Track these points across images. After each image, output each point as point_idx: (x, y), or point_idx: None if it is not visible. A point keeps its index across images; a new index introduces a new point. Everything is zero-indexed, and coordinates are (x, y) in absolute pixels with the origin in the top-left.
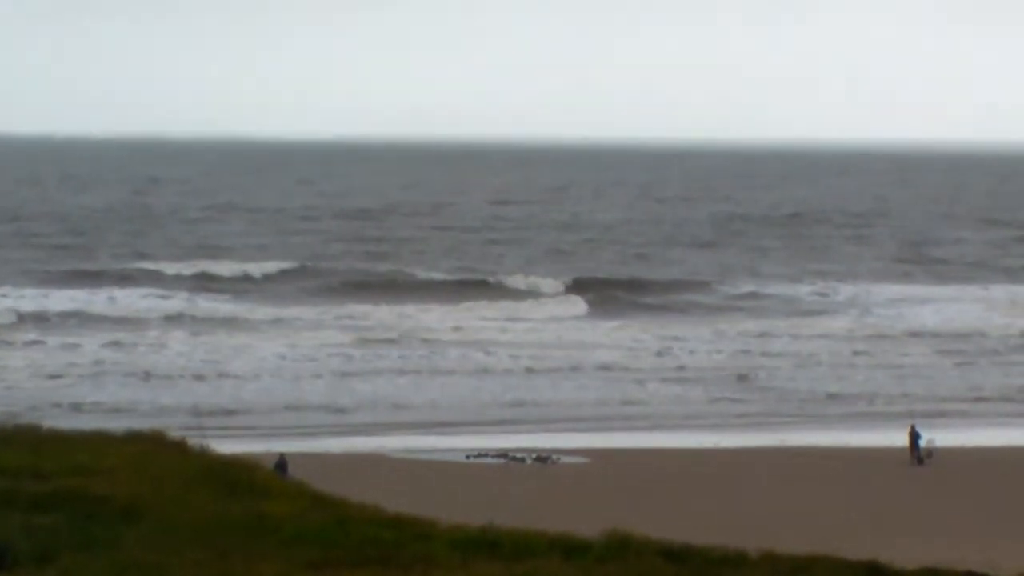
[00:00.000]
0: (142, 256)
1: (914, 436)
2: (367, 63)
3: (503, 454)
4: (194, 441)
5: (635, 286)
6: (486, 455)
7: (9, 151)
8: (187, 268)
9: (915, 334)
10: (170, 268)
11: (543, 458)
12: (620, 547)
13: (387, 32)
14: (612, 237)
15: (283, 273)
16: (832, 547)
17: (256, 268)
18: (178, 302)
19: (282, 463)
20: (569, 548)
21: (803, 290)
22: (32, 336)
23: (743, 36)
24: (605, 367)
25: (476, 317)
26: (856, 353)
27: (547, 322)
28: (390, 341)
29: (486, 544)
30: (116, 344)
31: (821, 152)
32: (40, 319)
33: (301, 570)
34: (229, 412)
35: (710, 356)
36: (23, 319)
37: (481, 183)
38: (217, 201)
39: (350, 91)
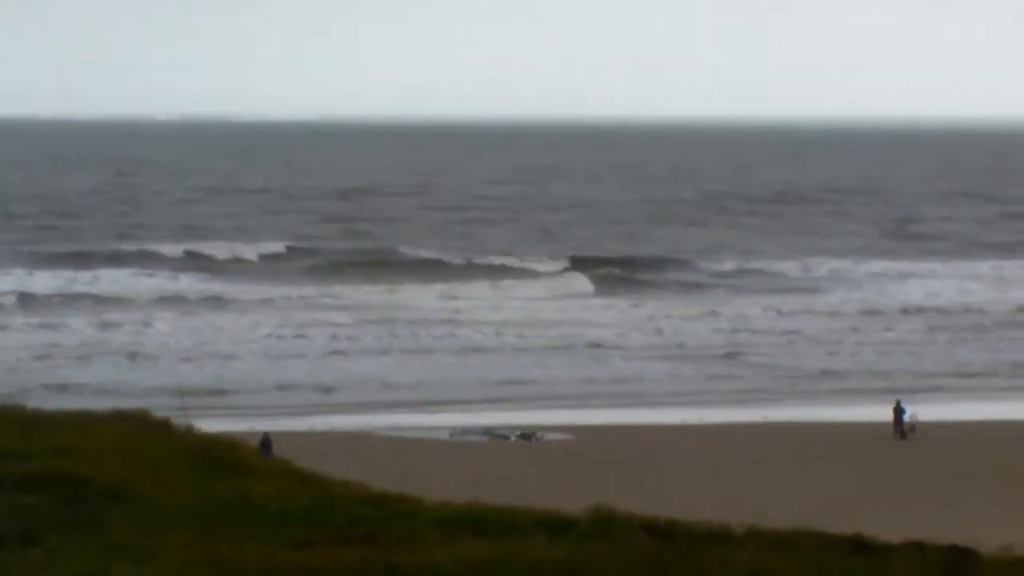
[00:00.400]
0: (130, 237)
1: (898, 411)
2: (353, 43)
3: (487, 432)
4: (179, 421)
5: (629, 264)
6: (471, 433)
7: None
8: (176, 249)
9: (904, 310)
10: (160, 249)
11: (527, 435)
12: (605, 524)
13: (375, 12)
14: (604, 216)
15: (274, 254)
16: (816, 522)
17: (249, 249)
18: (167, 282)
19: (266, 442)
20: (555, 525)
21: (791, 267)
22: (20, 317)
23: (739, 11)
24: (595, 344)
25: (473, 296)
26: (843, 329)
27: (545, 300)
28: (382, 321)
29: (471, 521)
30: (105, 325)
31: (811, 130)
32: (28, 300)
33: (286, 549)
34: (215, 392)
35: (700, 334)
36: (11, 300)
37: (469, 163)
38: (203, 183)
39: (336, 72)
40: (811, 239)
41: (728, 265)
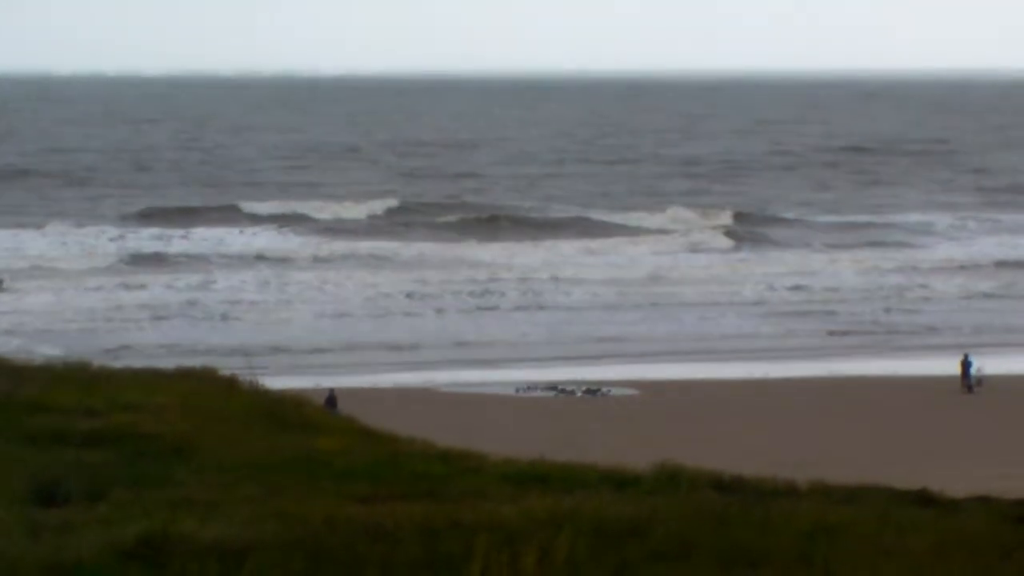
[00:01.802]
0: (226, 195)
1: (965, 364)
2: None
3: (552, 387)
4: (245, 377)
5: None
6: (536, 388)
7: (55, 90)
8: (280, 208)
9: (1000, 263)
10: (262, 208)
11: (592, 390)
12: (671, 479)
13: None
14: (690, 170)
15: (386, 211)
16: (882, 476)
17: (362, 208)
18: (270, 240)
19: (332, 399)
20: (619, 481)
21: (897, 219)
22: (119, 277)
23: None
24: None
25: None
26: (930, 284)
27: (673, 255)
28: (489, 279)
29: (536, 477)
30: (206, 284)
31: (848, 81)
32: (133, 258)
33: (352, 505)
34: (280, 349)
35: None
36: (109, 259)
37: (525, 116)
38: (273, 139)
39: (372, 27)
40: (894, 190)
41: (841, 218)
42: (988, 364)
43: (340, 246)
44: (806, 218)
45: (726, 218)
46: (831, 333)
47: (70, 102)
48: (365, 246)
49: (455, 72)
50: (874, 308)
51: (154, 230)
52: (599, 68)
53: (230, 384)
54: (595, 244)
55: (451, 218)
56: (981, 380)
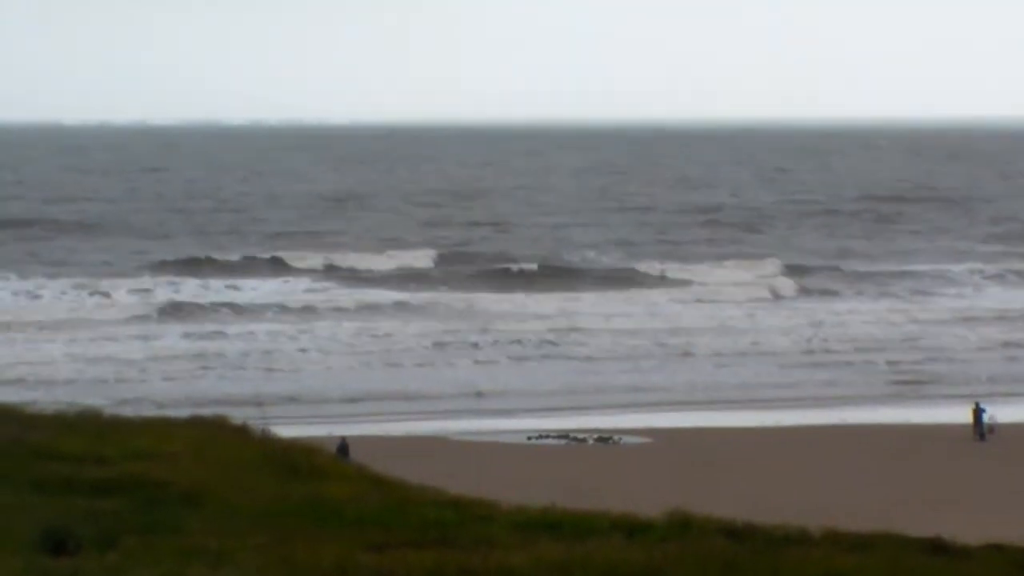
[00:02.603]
0: (253, 246)
1: (978, 412)
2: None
3: (564, 435)
4: (256, 426)
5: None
6: (547, 436)
7: (64, 139)
8: (313, 259)
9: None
10: (296, 258)
11: (604, 438)
12: (682, 526)
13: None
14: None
15: (426, 261)
16: (895, 523)
17: (396, 258)
18: (308, 292)
19: (344, 447)
20: (631, 528)
21: (923, 269)
22: (163, 325)
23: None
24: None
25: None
26: (941, 333)
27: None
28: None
29: (547, 525)
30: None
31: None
32: (174, 309)
33: (362, 552)
34: (292, 399)
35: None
36: (153, 309)
37: (545, 165)
38: (295, 188)
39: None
40: (916, 239)
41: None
42: (1000, 413)
43: (371, 295)
44: (843, 267)
45: (772, 267)
46: (897, 382)
47: (84, 151)
48: (395, 296)
49: (448, 121)
50: (914, 357)
51: (193, 280)
52: (594, 118)
53: (241, 432)
54: (639, 295)
55: (505, 267)
56: (993, 428)
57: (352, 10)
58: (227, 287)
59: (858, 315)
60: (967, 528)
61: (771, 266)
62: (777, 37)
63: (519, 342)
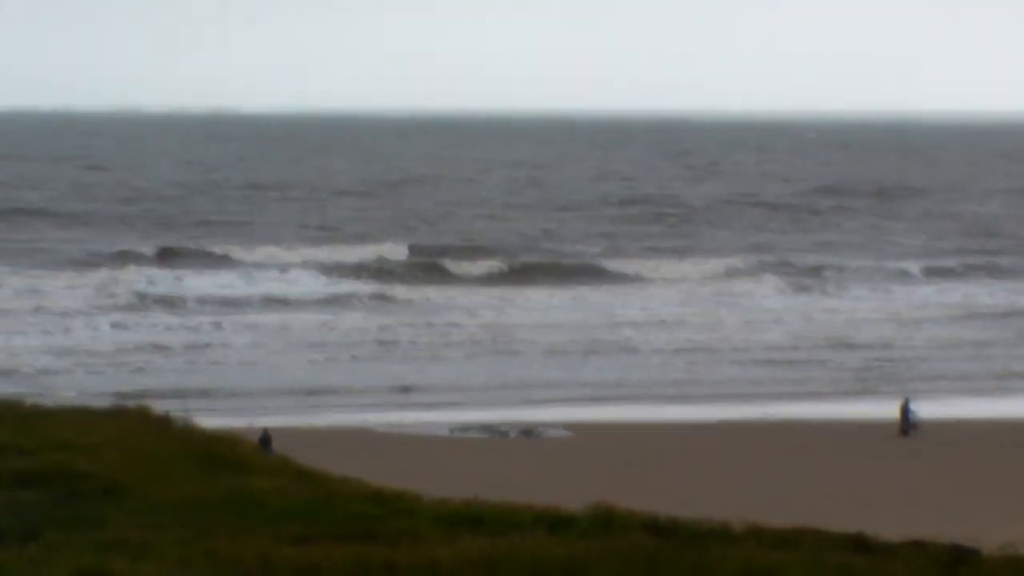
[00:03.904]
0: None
1: (905, 409)
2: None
3: (488, 428)
4: (178, 417)
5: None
6: (470, 429)
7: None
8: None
9: (972, 314)
10: (289, 255)
11: (528, 431)
12: (605, 521)
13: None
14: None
15: (395, 255)
16: (817, 520)
17: (378, 250)
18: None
19: (266, 438)
20: (554, 522)
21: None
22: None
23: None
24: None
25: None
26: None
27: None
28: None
29: (470, 518)
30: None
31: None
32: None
33: (285, 545)
34: (216, 391)
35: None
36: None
37: (506, 156)
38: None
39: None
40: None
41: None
42: (926, 409)
43: (316, 288)
44: (794, 261)
45: (719, 263)
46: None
47: (2, 137)
48: (342, 289)
49: (392, 110)
50: (847, 355)
51: (134, 269)
52: (532, 108)
53: (163, 423)
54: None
55: (492, 263)
56: (917, 424)
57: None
58: (169, 278)
59: (793, 312)
60: (889, 524)
61: (718, 262)
62: (713, 29)
63: (455, 336)
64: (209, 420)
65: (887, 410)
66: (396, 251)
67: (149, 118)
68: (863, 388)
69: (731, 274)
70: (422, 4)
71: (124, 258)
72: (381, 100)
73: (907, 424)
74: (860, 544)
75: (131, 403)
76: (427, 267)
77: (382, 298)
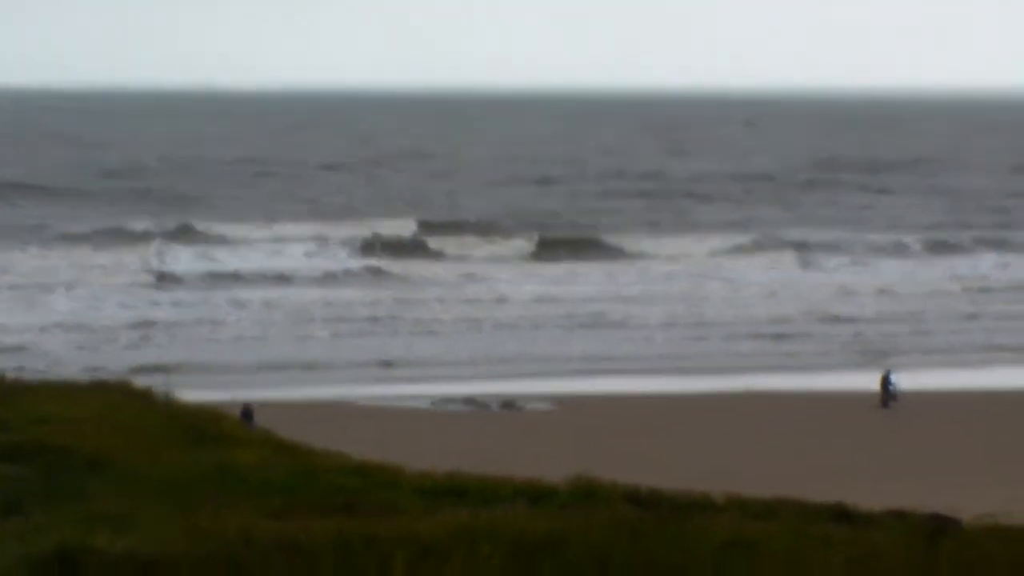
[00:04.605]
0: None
1: (886, 380)
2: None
3: (469, 400)
4: (160, 391)
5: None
6: (452, 401)
7: None
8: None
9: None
10: (298, 230)
11: (509, 404)
12: (586, 493)
13: None
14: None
15: (414, 230)
16: (799, 490)
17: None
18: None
19: (248, 411)
20: (535, 494)
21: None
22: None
23: None
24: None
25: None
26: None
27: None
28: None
29: (452, 491)
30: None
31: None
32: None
33: (267, 519)
34: (200, 367)
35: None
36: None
37: (501, 133)
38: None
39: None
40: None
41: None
42: (907, 380)
43: (322, 264)
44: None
45: (718, 239)
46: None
47: None
48: (342, 266)
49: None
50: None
51: (123, 248)
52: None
53: (145, 397)
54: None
55: (523, 240)
56: (896, 396)
57: None
58: (161, 254)
59: (783, 286)
60: (870, 495)
61: (712, 238)
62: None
63: (447, 311)
64: (191, 394)
65: (868, 382)
66: (402, 227)
67: (131, 95)
68: (846, 361)
69: (723, 250)
70: None
71: (112, 234)
72: (364, 76)
73: (888, 396)
74: (841, 514)
75: (113, 378)
76: (420, 244)
77: (377, 273)
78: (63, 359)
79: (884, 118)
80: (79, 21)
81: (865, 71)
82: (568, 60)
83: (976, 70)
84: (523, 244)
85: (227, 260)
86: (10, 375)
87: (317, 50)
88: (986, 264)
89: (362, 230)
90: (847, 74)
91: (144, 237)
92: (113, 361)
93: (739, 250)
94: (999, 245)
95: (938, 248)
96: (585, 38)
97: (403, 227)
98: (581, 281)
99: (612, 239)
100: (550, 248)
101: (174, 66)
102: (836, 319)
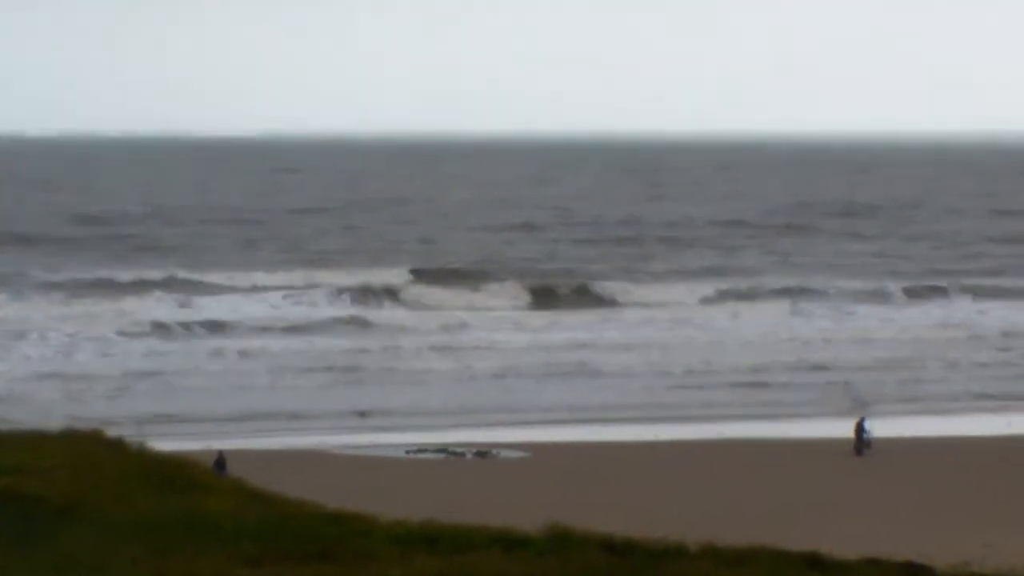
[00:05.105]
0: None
1: (859, 427)
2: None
3: (443, 449)
4: (132, 440)
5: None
6: (426, 450)
7: None
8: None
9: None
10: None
11: (483, 452)
12: (561, 541)
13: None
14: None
15: (404, 277)
16: (773, 538)
17: (381, 276)
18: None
19: (221, 460)
20: (510, 542)
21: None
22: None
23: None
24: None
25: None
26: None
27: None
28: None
29: (426, 539)
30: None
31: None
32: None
33: (240, 567)
34: (168, 416)
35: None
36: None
37: (466, 177)
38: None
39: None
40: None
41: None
42: (880, 428)
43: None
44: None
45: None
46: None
47: None
48: (318, 315)
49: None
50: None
51: (104, 300)
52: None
53: (117, 446)
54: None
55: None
56: (870, 443)
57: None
58: (144, 304)
59: (761, 334)
60: (844, 542)
61: (702, 286)
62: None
63: (421, 361)
64: (165, 444)
65: (843, 429)
66: (390, 276)
67: (103, 142)
68: (823, 409)
69: (710, 298)
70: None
71: (90, 284)
72: (335, 122)
73: (862, 443)
74: (815, 562)
75: (87, 427)
76: (400, 292)
77: (357, 322)
78: (38, 408)
79: (856, 162)
80: (51, 67)
81: (833, 115)
82: (544, 105)
83: (950, 114)
84: (509, 292)
85: (208, 309)
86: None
87: (295, 97)
88: (965, 311)
89: (348, 278)
90: (817, 118)
91: (123, 287)
92: (87, 410)
93: (724, 297)
94: (978, 291)
95: (918, 294)
96: (560, 83)
97: (391, 276)
98: (564, 329)
99: (599, 287)
100: (537, 296)
101: (144, 113)
102: (816, 367)
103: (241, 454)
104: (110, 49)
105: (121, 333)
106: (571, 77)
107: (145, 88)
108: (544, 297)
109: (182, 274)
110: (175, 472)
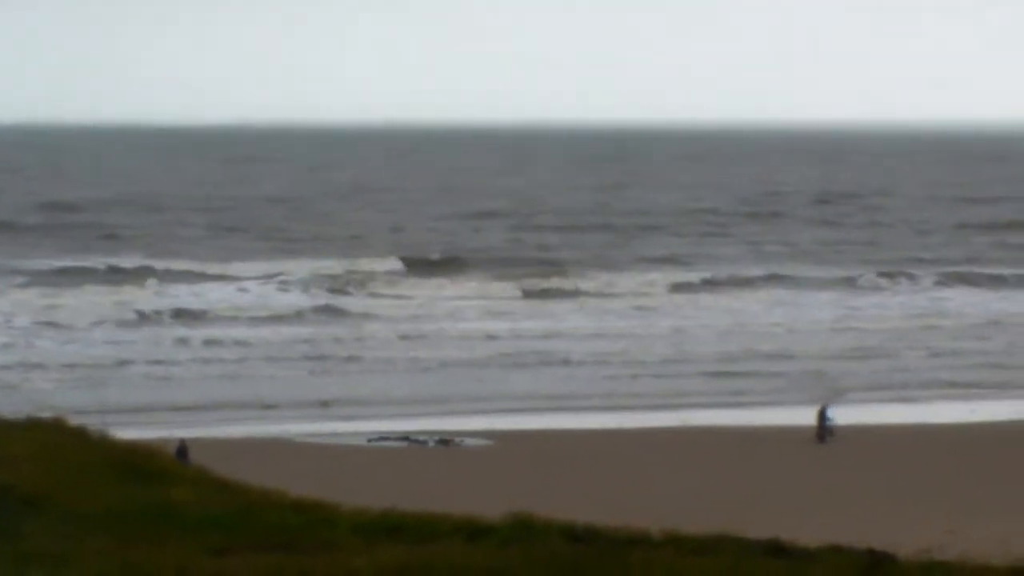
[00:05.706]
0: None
1: (822, 415)
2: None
3: (405, 437)
4: (94, 428)
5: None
6: (388, 438)
7: None
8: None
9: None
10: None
11: (445, 440)
12: (523, 529)
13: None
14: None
15: (390, 265)
16: (735, 526)
17: (367, 264)
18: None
19: (183, 449)
20: (472, 531)
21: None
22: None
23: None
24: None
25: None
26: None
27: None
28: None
29: (389, 528)
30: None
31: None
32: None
33: (204, 556)
34: (137, 407)
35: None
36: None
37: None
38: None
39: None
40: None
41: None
42: (845, 415)
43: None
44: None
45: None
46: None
47: None
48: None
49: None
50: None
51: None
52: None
53: (80, 435)
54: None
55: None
56: (832, 430)
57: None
58: (118, 292)
59: (731, 323)
60: (806, 530)
61: (673, 273)
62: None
63: (387, 350)
64: (126, 432)
65: (807, 417)
66: (365, 264)
67: (68, 130)
68: (788, 397)
69: (671, 286)
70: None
71: (59, 271)
72: (304, 112)
73: (824, 430)
74: (778, 549)
75: (48, 415)
76: (378, 281)
77: (328, 311)
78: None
79: (824, 151)
80: (15, 56)
81: (802, 104)
82: (509, 94)
83: (919, 103)
84: (478, 280)
85: (178, 298)
86: None
87: (259, 85)
88: (935, 298)
89: (319, 267)
90: (785, 107)
91: (91, 274)
92: (50, 399)
93: (693, 286)
94: (948, 279)
95: (889, 282)
96: (522, 72)
97: (362, 264)
98: (532, 317)
99: (568, 275)
100: (505, 284)
101: (110, 100)
102: (785, 355)
103: (202, 443)
104: (79, 36)
105: (89, 322)
106: (551, 69)
107: (109, 76)
108: (512, 285)
109: (150, 262)
110: (139, 461)
